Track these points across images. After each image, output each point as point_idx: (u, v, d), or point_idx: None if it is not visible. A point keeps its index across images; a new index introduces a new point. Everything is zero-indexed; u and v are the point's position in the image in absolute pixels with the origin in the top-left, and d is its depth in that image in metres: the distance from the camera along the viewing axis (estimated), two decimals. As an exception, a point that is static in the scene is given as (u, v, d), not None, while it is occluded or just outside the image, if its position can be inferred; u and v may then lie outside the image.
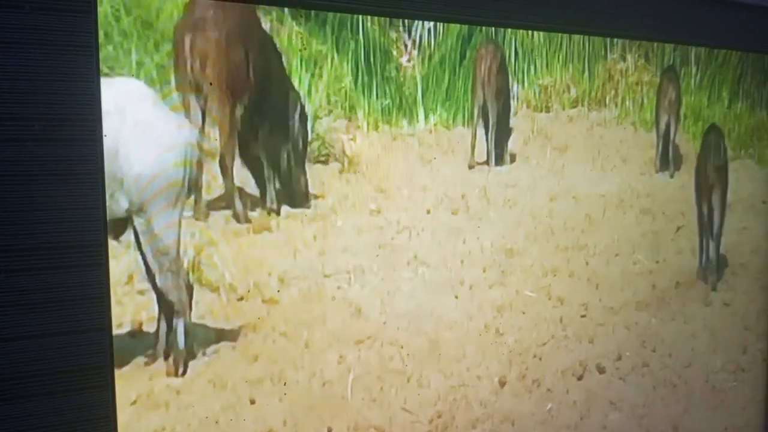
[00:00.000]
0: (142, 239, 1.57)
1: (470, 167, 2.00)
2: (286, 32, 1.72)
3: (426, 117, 1.93)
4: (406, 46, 1.90)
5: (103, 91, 1.48)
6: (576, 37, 2.13)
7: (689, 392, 2.51)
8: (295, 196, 1.75)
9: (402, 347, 1.92)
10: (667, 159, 2.39)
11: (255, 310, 1.71)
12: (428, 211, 1.96)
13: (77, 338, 1.49)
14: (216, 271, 1.67)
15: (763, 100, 2.57)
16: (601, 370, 2.29)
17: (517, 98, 2.08)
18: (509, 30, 2.03)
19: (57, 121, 1.44)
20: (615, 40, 2.21)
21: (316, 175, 1.78)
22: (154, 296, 1.60)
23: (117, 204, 1.53)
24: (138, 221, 1.57)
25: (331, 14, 1.77)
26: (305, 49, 1.70)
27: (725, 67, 2.47)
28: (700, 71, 2.42)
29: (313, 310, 1.79)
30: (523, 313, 2.12)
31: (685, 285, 2.46)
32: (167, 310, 1.62)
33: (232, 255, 1.68)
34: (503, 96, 2.03)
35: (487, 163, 2.05)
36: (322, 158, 1.79)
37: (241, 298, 1.70)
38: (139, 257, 1.57)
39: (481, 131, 2.03)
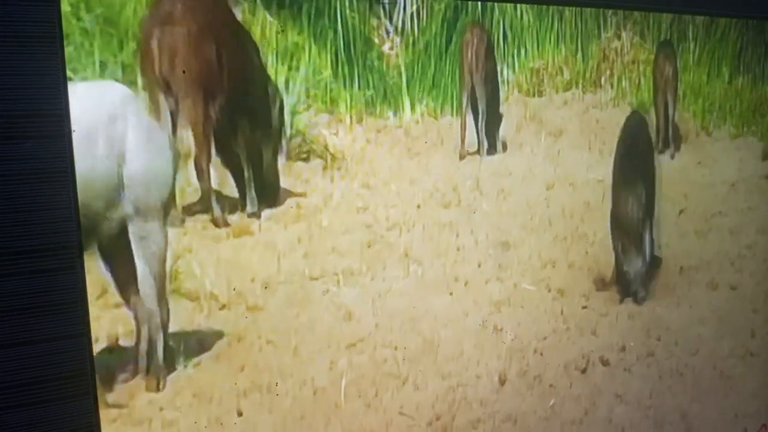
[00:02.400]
0: (136, 246, 1.49)
1: (461, 157, 1.91)
2: (259, 23, 1.63)
3: (412, 107, 1.84)
4: (388, 32, 1.80)
5: (86, 94, 1.41)
6: (567, 16, 2.03)
7: (697, 380, 2.43)
8: (277, 196, 1.67)
9: (396, 349, 1.84)
10: (668, 139, 2.30)
11: (239, 318, 1.63)
12: (418, 206, 1.87)
13: (54, 346, 1.41)
14: (195, 279, 1.59)
15: (765, 73, 2.47)
16: (605, 363, 2.22)
17: (508, 83, 1.99)
18: (497, 11, 1.93)
19: (20, 117, 1.35)
20: (609, 17, 2.10)
21: (297, 173, 1.69)
22: (130, 309, 1.52)
23: (116, 210, 1.46)
24: (134, 227, 1.49)
25: (306, 2, 1.67)
26: (282, 31, 1.60)
27: (724, 42, 2.37)
28: (698, 47, 2.32)
29: (300, 316, 1.70)
30: (522, 307, 2.04)
31: (690, 269, 2.38)
32: (146, 322, 1.54)
33: (212, 262, 1.60)
34: (492, 81, 1.93)
35: (478, 152, 1.96)
36: (304, 155, 1.70)
37: (223, 307, 1.62)
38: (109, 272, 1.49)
39: (470, 119, 1.94)
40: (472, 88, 1.91)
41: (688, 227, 2.36)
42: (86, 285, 1.44)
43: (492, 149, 1.98)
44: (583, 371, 2.18)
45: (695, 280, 2.41)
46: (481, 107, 1.94)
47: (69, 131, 1.41)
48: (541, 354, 2.10)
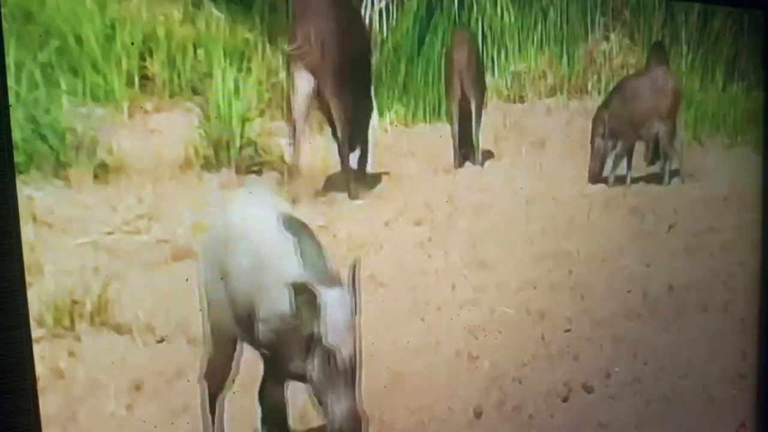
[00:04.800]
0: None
1: (446, 171, 1.75)
2: (203, 18, 1.44)
3: (381, 114, 1.66)
4: (353, 31, 1.62)
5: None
6: (552, 15, 1.86)
7: (686, 406, 2.29)
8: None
9: (361, 381, 1.67)
10: (658, 151, 2.15)
11: (179, 352, 1.44)
12: (386, 224, 1.69)
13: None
14: (128, 309, 1.40)
15: (761, 80, 2.33)
16: (588, 390, 2.07)
17: (487, 88, 1.82)
18: (475, 9, 1.75)
19: None
20: (597, 18, 1.94)
21: (249, 188, 1.50)
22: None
23: None
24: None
25: (259, -5, 1.48)
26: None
27: (719, 45, 2.23)
28: (691, 50, 2.17)
29: (246, 349, 1.52)
30: (500, 332, 1.88)
31: (679, 289, 2.24)
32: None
33: (147, 289, 1.41)
34: (481, 88, 1.77)
35: (454, 164, 1.79)
36: (255, 167, 1.51)
37: (161, 340, 1.43)
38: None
39: (446, 128, 1.77)
40: (462, 94, 1.75)
41: (677, 244, 2.21)
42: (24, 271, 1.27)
43: (471, 160, 1.82)
44: (565, 400, 2.04)
45: (684, 300, 2.27)
46: (474, 114, 1.77)
47: (5, 106, 1.25)
48: (520, 382, 1.94)
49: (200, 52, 1.42)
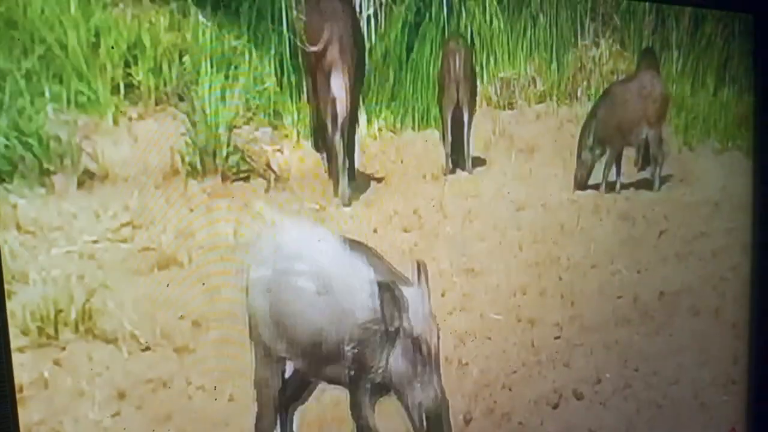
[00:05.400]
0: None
1: (435, 178, 1.74)
2: (191, 26, 1.43)
3: (369, 121, 1.66)
4: (341, 38, 1.61)
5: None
6: (541, 21, 1.86)
7: (677, 412, 2.29)
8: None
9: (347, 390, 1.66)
10: (648, 156, 2.14)
11: (164, 361, 1.44)
12: (375, 230, 1.68)
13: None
14: (113, 318, 1.39)
15: (752, 84, 2.33)
16: (578, 396, 2.06)
17: (477, 95, 1.82)
18: (464, 16, 1.75)
19: None
20: (586, 23, 1.94)
21: (235, 196, 1.50)
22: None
23: None
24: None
25: (246, 2, 1.48)
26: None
27: (709, 50, 2.22)
28: (682, 55, 2.16)
29: (237, 357, 1.51)
30: (489, 339, 1.87)
31: (670, 295, 2.23)
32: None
33: (132, 298, 1.40)
34: (473, 95, 1.77)
35: (443, 171, 1.79)
36: (243, 174, 1.51)
37: (146, 349, 1.43)
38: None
39: (434, 135, 1.76)
40: (458, 101, 1.75)
41: (668, 250, 2.20)
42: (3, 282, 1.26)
43: (461, 167, 1.82)
44: (555, 407, 2.03)
45: (675, 305, 2.27)
46: (466, 121, 1.77)
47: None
48: (510, 389, 1.93)
49: (186, 59, 1.41)
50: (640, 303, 2.16)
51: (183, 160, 1.42)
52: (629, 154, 2.12)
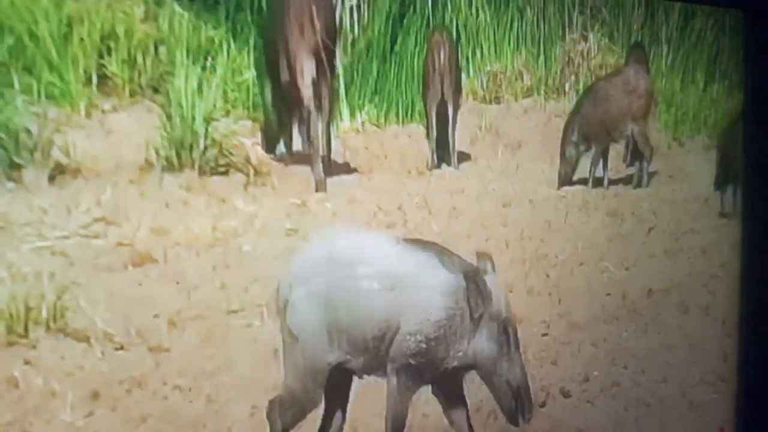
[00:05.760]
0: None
1: (420, 173, 1.72)
2: (167, 16, 1.39)
3: (351, 115, 1.63)
4: (322, 30, 1.58)
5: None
6: (528, 14, 1.83)
7: (665, 410, 2.27)
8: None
9: (330, 390, 1.63)
10: (637, 151, 2.12)
11: (139, 361, 1.40)
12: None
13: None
14: (85, 316, 1.35)
15: (743, 80, 2.31)
16: (565, 395, 2.04)
17: (462, 89, 1.79)
18: (449, 8, 1.72)
19: None
20: (575, 17, 1.91)
21: (212, 191, 1.46)
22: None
23: None
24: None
25: (224, -8, 1.44)
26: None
27: (699, 45, 2.20)
28: (671, 50, 2.14)
29: (215, 357, 1.48)
30: (476, 337, 1.85)
31: (659, 292, 2.22)
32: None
33: (105, 295, 1.36)
34: (458, 89, 1.74)
35: (428, 166, 1.76)
36: (221, 169, 1.47)
37: (120, 348, 1.39)
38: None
39: (419, 129, 1.74)
40: (442, 96, 1.72)
41: (657, 247, 2.18)
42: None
43: (446, 162, 1.79)
44: (543, 405, 2.01)
45: (664, 303, 2.25)
46: (451, 116, 1.75)
47: None
48: (496, 389, 1.91)
49: (162, 50, 1.38)
50: (629, 300, 2.14)
51: (158, 153, 1.39)
52: (617, 150, 2.10)
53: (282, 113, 1.49)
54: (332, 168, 1.60)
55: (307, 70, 1.41)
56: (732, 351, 2.43)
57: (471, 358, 1.44)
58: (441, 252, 1.42)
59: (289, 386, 1.40)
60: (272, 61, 1.44)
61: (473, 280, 1.40)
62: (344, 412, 1.48)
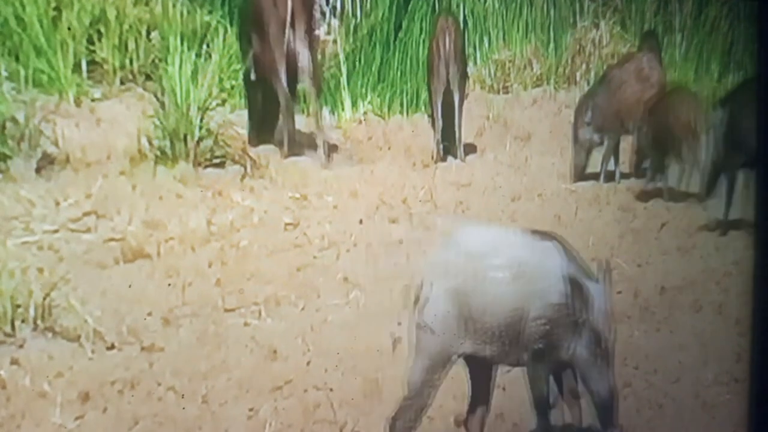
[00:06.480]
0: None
1: (425, 166, 1.66)
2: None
3: (354, 104, 1.58)
4: (323, 14, 1.53)
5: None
6: (538, 2, 1.77)
7: (678, 412, 2.20)
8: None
9: (331, 391, 1.57)
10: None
11: (131, 361, 1.34)
12: (360, 221, 1.60)
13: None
14: (75, 314, 1.30)
15: (757, 71, 2.26)
16: (575, 396, 1.99)
17: (469, 78, 1.74)
18: (455, -5, 1.67)
19: None
20: (586, 4, 1.86)
21: (207, 184, 1.41)
22: None
23: None
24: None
25: (221, -25, 1.39)
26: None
27: (714, 35, 2.14)
28: (685, 40, 2.09)
29: (211, 356, 1.42)
30: (483, 336, 1.80)
31: (672, 290, 2.16)
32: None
33: (96, 292, 1.30)
34: (464, 78, 1.69)
35: (434, 158, 1.71)
36: (217, 161, 1.41)
37: (112, 347, 1.33)
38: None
39: (424, 120, 1.68)
40: (448, 83, 1.66)
41: (670, 243, 2.13)
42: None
43: (452, 154, 1.74)
44: (552, 407, 1.96)
45: (677, 301, 2.19)
46: (457, 106, 1.69)
47: None
48: (504, 389, 1.84)
49: (155, 35, 1.32)
50: (641, 298, 2.09)
51: (151, 144, 1.33)
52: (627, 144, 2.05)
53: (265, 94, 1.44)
54: (333, 160, 1.55)
55: (280, 39, 1.35)
56: (746, 351, 2.37)
57: (570, 357, 1.47)
58: (560, 242, 1.47)
59: (413, 383, 1.44)
60: (247, 34, 1.38)
61: (578, 285, 1.43)
62: (487, 402, 1.54)
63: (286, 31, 1.37)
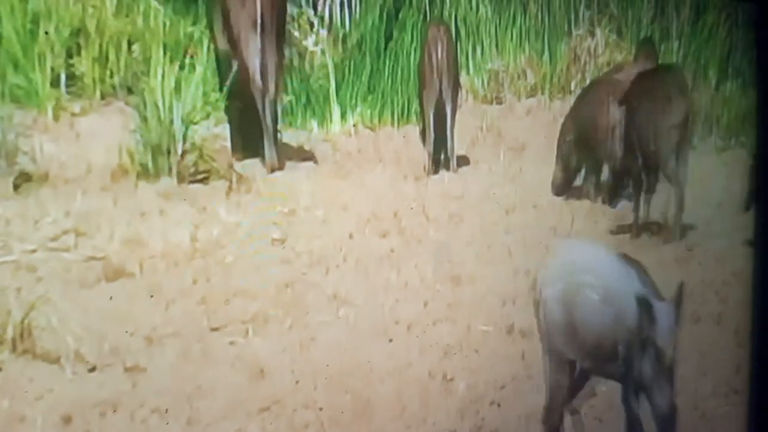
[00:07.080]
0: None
1: (417, 178, 1.64)
2: (141, 10, 1.30)
3: (343, 116, 1.54)
4: (311, 24, 1.50)
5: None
6: (532, 9, 1.74)
7: (676, 424, 2.19)
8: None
9: (321, 410, 1.54)
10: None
11: (113, 382, 1.31)
12: (350, 236, 1.57)
13: None
14: (55, 335, 1.26)
15: (757, 77, 2.23)
16: (573, 411, 1.95)
17: (461, 88, 1.71)
18: (447, 2, 1.63)
19: None
20: (581, 11, 1.83)
21: (193, 199, 1.37)
22: None
23: None
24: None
25: (204, -15, 1.35)
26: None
27: (712, 41, 2.11)
28: (682, 46, 2.06)
29: (197, 376, 1.39)
30: (477, 351, 1.76)
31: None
32: None
33: (76, 312, 1.27)
34: (457, 86, 1.66)
35: (426, 170, 1.68)
36: (201, 175, 1.38)
37: (93, 369, 1.30)
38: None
39: (416, 131, 1.65)
40: (440, 93, 1.63)
41: (667, 255, 2.11)
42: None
43: (445, 166, 1.71)
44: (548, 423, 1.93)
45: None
46: (449, 115, 1.66)
47: None
48: (499, 405, 1.83)
49: (136, 47, 1.29)
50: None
51: (133, 159, 1.30)
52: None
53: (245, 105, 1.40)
54: (322, 173, 1.51)
55: (251, 43, 1.32)
56: (744, 362, 2.35)
57: (641, 376, 1.58)
58: (641, 270, 1.58)
59: (547, 383, 1.61)
60: (216, 37, 1.35)
61: (645, 303, 1.52)
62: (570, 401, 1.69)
63: (257, 37, 1.33)
